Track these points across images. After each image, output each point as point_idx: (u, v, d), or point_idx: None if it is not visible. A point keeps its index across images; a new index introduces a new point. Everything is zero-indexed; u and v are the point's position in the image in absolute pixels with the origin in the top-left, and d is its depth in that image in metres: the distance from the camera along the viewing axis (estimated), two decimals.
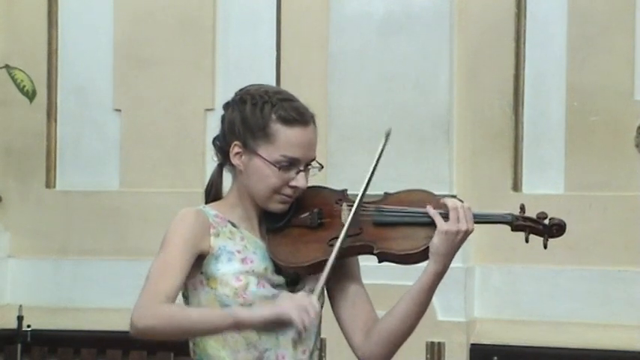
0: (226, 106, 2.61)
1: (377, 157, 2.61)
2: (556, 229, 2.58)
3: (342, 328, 2.64)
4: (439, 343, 5.08)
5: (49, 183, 5.92)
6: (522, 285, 5.18)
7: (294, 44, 5.58)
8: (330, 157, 5.19)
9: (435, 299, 4.96)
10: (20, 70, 5.42)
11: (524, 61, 5.31)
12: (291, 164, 2.52)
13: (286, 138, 2.50)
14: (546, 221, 2.58)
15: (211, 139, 2.67)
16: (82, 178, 5.87)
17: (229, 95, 2.65)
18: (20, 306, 5.58)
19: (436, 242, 2.50)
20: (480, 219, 2.58)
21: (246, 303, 2.48)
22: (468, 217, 2.51)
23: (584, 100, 5.18)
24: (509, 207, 5.05)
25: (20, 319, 5.57)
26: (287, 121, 2.51)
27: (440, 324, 5.07)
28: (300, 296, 2.43)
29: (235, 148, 2.54)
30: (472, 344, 5.12)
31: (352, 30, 5.31)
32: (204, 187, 2.70)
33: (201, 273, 2.51)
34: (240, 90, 2.63)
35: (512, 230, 2.60)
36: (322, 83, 5.39)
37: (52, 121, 5.91)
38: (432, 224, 2.52)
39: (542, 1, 5.30)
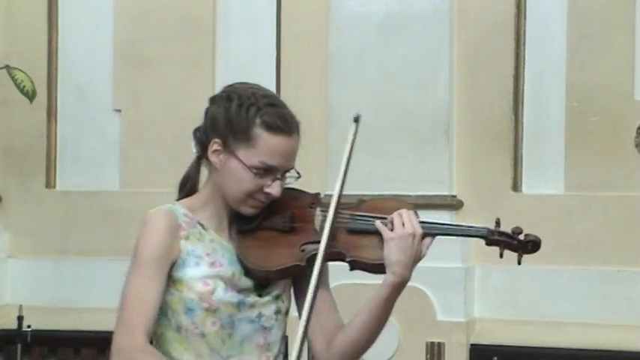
0: (212, 100, 2.56)
1: (349, 148, 2.55)
2: (531, 245, 2.53)
3: None
4: (439, 343, 5.08)
5: (49, 183, 5.92)
6: (522, 285, 5.18)
7: (294, 44, 5.58)
8: (330, 157, 5.19)
9: (434, 299, 5.06)
10: (20, 70, 5.41)
11: (524, 61, 5.31)
12: (267, 171, 2.46)
13: (267, 145, 2.45)
14: (521, 237, 2.53)
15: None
16: (82, 178, 5.87)
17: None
18: (20, 306, 5.58)
19: (386, 252, 2.45)
20: (455, 232, 2.54)
21: (210, 308, 2.45)
22: (413, 220, 2.47)
23: (584, 100, 5.18)
24: (509, 207, 5.09)
25: (20, 319, 5.56)
26: (270, 128, 2.45)
27: (440, 324, 5.07)
28: None
29: (214, 146, 2.50)
30: (472, 344, 5.12)
31: (352, 30, 5.31)
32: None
33: (168, 277, 2.47)
34: (229, 86, 2.57)
35: (486, 244, 2.55)
36: (322, 83, 5.39)
37: (52, 121, 5.91)
38: None
39: (542, 1, 5.30)
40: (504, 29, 5.30)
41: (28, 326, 5.58)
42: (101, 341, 5.62)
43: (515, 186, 5.30)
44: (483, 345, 5.12)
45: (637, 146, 5.08)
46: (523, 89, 5.31)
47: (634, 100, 5.14)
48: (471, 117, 5.32)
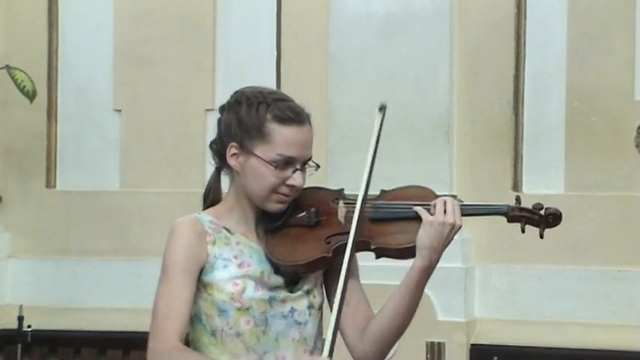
0: (222, 108, 2.62)
1: (376, 135, 2.60)
2: (552, 218, 2.55)
3: None
4: (439, 343, 5.08)
5: (49, 183, 5.92)
6: (522, 285, 5.19)
7: (294, 44, 5.59)
8: (330, 157, 5.19)
9: (435, 299, 5.06)
10: (20, 70, 5.42)
11: (524, 61, 5.32)
12: (287, 163, 2.51)
13: (282, 137, 2.50)
14: (542, 211, 2.56)
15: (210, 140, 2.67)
16: (82, 178, 5.87)
17: (229, 95, 2.65)
18: (20, 306, 5.58)
19: (421, 234, 2.47)
20: (476, 211, 2.57)
21: (243, 307, 2.49)
22: (456, 211, 2.49)
23: (584, 100, 5.19)
24: None
25: (20, 319, 5.57)
26: (282, 120, 2.50)
27: (440, 324, 5.07)
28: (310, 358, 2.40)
29: (232, 149, 2.53)
30: (472, 344, 5.12)
31: (352, 30, 5.31)
32: (204, 189, 2.69)
33: (199, 281, 2.51)
34: (235, 92, 2.62)
35: (508, 221, 2.58)
36: (322, 83, 5.39)
37: (52, 121, 5.91)
38: None
39: (542, 1, 5.31)
40: (504, 29, 5.31)
41: (28, 326, 5.58)
42: (101, 341, 5.68)
43: (515, 186, 5.31)
44: (483, 345, 5.13)
45: (637, 146, 5.09)
46: (523, 89, 5.32)
47: (634, 100, 5.15)
48: (471, 117, 5.32)
